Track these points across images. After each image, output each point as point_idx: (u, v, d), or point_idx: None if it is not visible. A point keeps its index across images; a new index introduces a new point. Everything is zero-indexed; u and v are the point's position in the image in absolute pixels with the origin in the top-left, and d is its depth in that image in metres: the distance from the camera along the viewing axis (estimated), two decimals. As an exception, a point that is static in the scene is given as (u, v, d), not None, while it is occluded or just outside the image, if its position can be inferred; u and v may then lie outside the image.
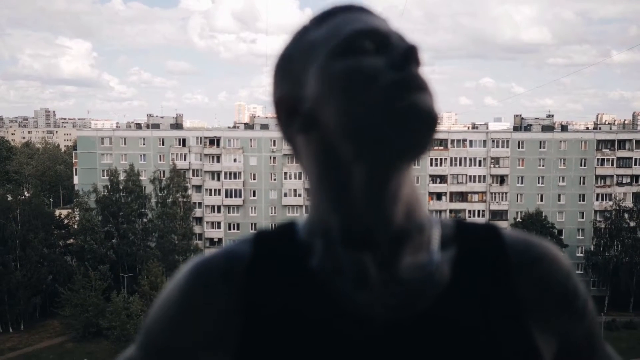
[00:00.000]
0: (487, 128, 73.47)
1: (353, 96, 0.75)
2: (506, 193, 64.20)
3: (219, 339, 0.80)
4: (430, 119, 0.75)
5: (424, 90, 0.76)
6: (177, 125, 72.18)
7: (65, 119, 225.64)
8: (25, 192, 60.71)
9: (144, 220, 58.68)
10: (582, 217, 63.46)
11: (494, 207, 64.17)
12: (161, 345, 0.84)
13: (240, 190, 64.93)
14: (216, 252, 0.86)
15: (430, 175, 62.84)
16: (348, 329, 0.76)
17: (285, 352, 0.76)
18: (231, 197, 64.95)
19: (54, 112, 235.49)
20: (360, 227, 0.79)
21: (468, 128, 73.65)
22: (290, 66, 0.83)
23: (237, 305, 0.80)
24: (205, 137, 66.49)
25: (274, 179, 64.83)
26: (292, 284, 0.80)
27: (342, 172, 0.79)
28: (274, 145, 64.87)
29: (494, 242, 0.84)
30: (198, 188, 65.14)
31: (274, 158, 64.89)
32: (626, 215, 59.42)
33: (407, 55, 0.76)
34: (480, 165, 63.63)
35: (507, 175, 64.03)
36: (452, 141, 64.12)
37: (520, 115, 73.88)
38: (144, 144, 65.65)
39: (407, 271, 0.79)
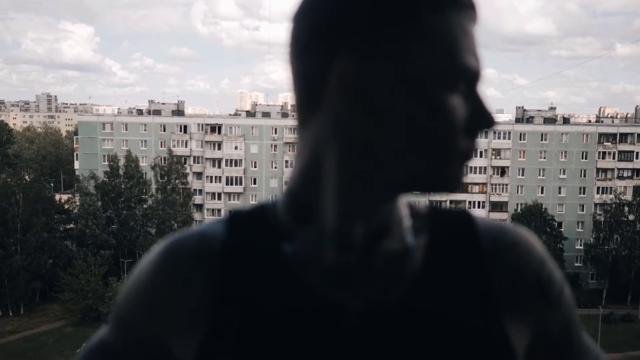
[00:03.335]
0: (489, 119, 73.18)
1: (419, 127, 0.71)
2: (507, 185, 64.19)
3: (190, 322, 0.78)
4: (456, 191, 0.76)
5: (468, 162, 0.76)
6: (178, 112, 72.09)
7: (66, 103, 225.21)
8: (26, 177, 60.74)
9: (144, 206, 58.78)
10: (582, 210, 63.51)
11: (494, 198, 64.20)
12: (131, 328, 0.83)
13: (241, 177, 64.98)
14: (189, 232, 0.84)
15: (431, 166, 62.76)
16: (322, 317, 0.75)
17: (256, 338, 0.74)
18: (232, 184, 65.01)
19: (55, 96, 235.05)
20: (343, 223, 0.76)
21: (470, 119, 73.30)
22: (377, 28, 0.70)
23: (209, 289, 0.78)
24: (207, 124, 66.47)
25: (275, 167, 64.87)
26: (266, 269, 0.77)
27: (356, 177, 0.75)
28: (275, 133, 64.87)
29: (467, 228, 0.83)
30: (199, 175, 65.20)
31: (275, 146, 64.89)
32: (626, 209, 59.40)
33: (485, 129, 0.74)
34: (481, 156, 63.53)
35: (508, 167, 64.01)
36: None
37: (523, 107, 73.76)
38: (145, 130, 65.64)
39: (382, 261, 0.77)
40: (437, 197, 61.57)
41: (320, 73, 0.73)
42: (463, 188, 0.76)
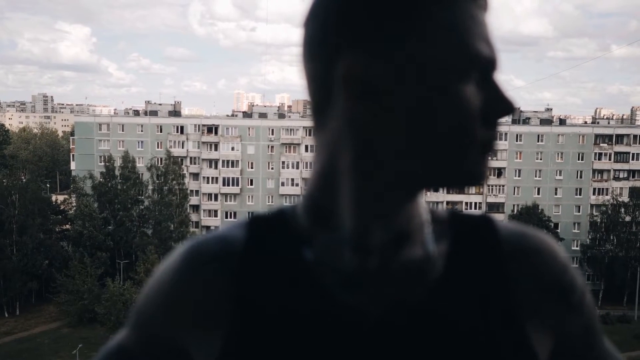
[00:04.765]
0: (486, 120, 73.34)
1: (433, 120, 0.69)
2: (503, 186, 64.26)
3: (210, 325, 0.78)
4: (481, 183, 0.73)
5: (491, 153, 0.73)
6: (175, 113, 72.02)
7: (63, 104, 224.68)
8: (22, 177, 60.61)
9: (141, 207, 58.68)
10: (579, 211, 63.60)
11: (490, 199, 64.27)
12: (152, 330, 0.83)
13: (237, 178, 64.92)
14: (210, 235, 0.84)
15: (428, 167, 62.82)
16: (341, 322, 0.74)
17: (275, 342, 0.74)
18: (228, 185, 64.94)
19: (51, 97, 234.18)
20: (364, 228, 0.76)
21: (466, 120, 73.40)
22: (384, 24, 0.69)
23: (229, 291, 0.78)
24: (204, 125, 66.41)
25: (272, 168, 64.83)
26: (286, 273, 0.77)
27: (373, 177, 0.74)
28: (272, 134, 64.86)
29: (489, 234, 0.82)
30: (195, 176, 65.12)
31: (272, 147, 64.87)
32: (622, 210, 59.53)
33: (504, 116, 0.72)
34: (477, 157, 63.51)
35: (504, 168, 64.06)
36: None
37: (519, 108, 73.79)
38: (141, 131, 65.54)
39: (402, 266, 0.76)
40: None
41: (330, 74, 0.72)
42: (486, 181, 0.73)
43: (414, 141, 0.70)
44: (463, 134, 0.70)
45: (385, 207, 0.75)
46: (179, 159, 62.57)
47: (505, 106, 0.71)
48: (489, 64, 0.71)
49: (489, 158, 0.73)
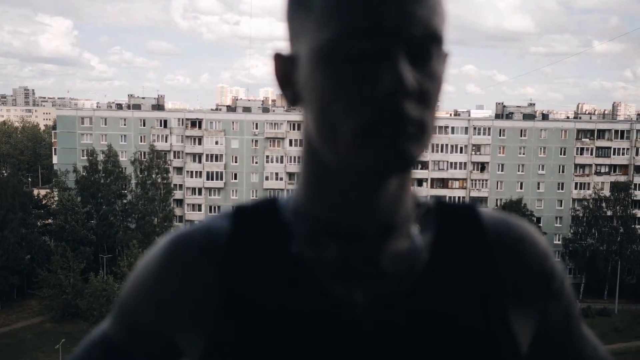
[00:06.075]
0: (469, 115, 73.51)
1: (336, 100, 0.67)
2: (486, 180, 64.66)
3: (196, 317, 0.77)
4: (406, 169, 0.70)
5: (422, 134, 0.69)
6: (158, 107, 71.49)
7: (44, 97, 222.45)
8: (3, 172, 59.90)
9: (124, 201, 58.27)
10: (561, 206, 64.17)
11: (474, 194, 64.60)
12: (136, 321, 0.82)
13: (221, 172, 64.71)
14: (194, 226, 0.83)
15: (412, 161, 62.98)
16: (329, 314, 0.74)
17: (263, 335, 0.74)
18: (212, 179, 64.73)
19: (33, 90, 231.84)
20: (348, 219, 0.76)
21: (450, 115, 73.47)
22: (307, 4, 0.70)
23: (215, 283, 0.77)
24: (187, 119, 66.08)
25: (256, 162, 64.70)
26: (271, 266, 0.77)
27: (324, 167, 0.75)
28: (256, 128, 64.70)
29: (473, 222, 0.83)
30: (179, 170, 64.81)
31: (256, 141, 64.71)
32: (603, 204, 60.15)
33: (398, 94, 0.66)
34: (461, 152, 63.91)
35: (487, 163, 64.44)
36: (434, 128, 64.13)
37: (502, 103, 74.15)
38: (124, 125, 65.05)
39: (389, 257, 0.76)
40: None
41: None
42: (414, 164, 0.68)
43: (332, 128, 0.68)
44: (380, 115, 0.66)
45: (353, 197, 0.75)
46: (163, 153, 62.20)
47: (394, 82, 0.65)
48: (402, 39, 0.66)
49: (422, 139, 0.69)
